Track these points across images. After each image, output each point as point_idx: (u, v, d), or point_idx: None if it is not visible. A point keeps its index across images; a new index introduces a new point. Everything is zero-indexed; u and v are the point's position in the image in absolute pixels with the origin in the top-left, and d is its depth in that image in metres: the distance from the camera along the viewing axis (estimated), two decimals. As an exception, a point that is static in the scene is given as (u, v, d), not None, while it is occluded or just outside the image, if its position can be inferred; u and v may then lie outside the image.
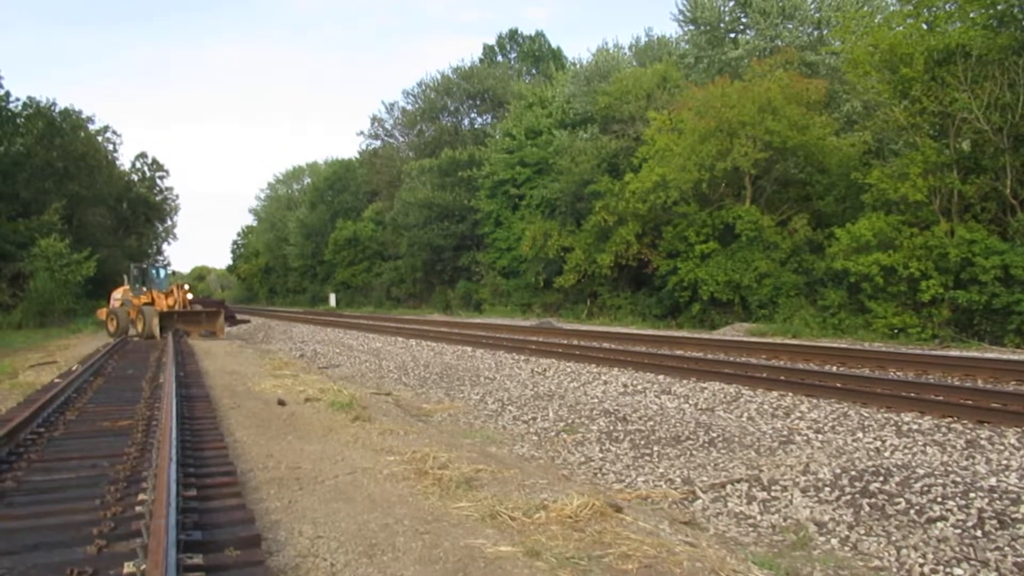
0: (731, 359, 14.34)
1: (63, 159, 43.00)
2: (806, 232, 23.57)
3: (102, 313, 28.64)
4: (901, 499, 5.99)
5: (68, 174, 43.00)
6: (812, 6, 29.87)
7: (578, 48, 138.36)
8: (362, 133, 78.43)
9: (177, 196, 65.13)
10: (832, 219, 23.24)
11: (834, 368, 12.75)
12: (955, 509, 5.71)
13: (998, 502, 5.72)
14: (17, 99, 41.47)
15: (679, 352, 16.09)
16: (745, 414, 9.49)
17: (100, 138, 51.15)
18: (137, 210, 57.83)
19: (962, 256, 18.02)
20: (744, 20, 31.47)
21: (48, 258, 36.15)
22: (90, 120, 48.86)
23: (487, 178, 41.25)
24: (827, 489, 6.41)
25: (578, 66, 39.96)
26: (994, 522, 5.47)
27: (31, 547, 4.26)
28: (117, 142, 54.20)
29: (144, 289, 26.55)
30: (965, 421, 8.09)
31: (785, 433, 8.30)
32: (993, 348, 16.19)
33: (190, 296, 27.48)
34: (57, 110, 44.46)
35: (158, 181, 61.95)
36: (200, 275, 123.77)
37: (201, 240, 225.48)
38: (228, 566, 4.01)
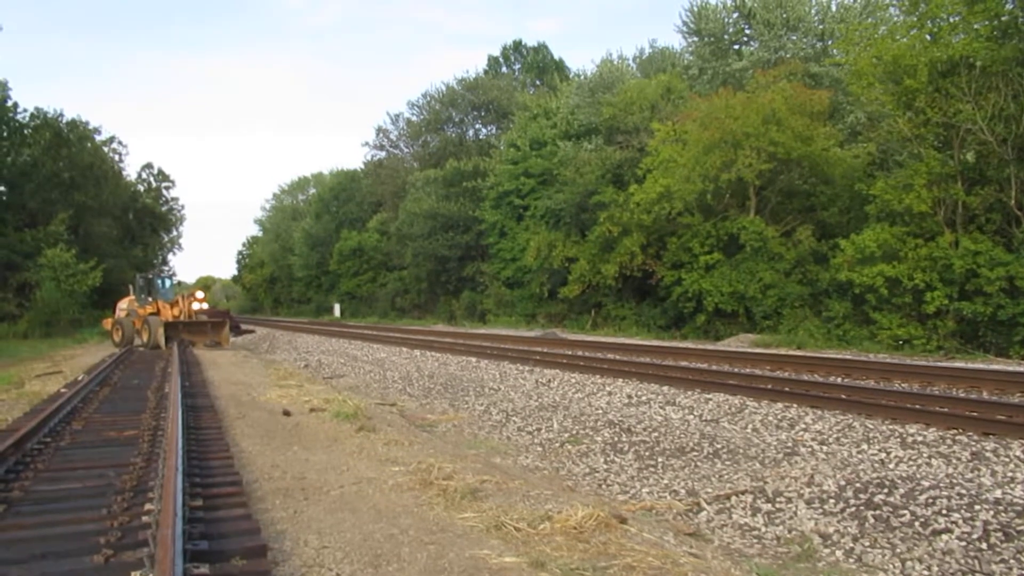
0: (736, 370, 14.32)
1: (70, 170, 43.24)
2: (810, 243, 23.56)
3: (108, 323, 28.74)
4: (906, 511, 5.98)
5: (75, 184, 43.23)
6: (816, 18, 29.95)
7: (582, 60, 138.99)
8: (367, 144, 78.90)
9: (183, 206, 65.35)
10: (836, 230, 23.24)
11: (839, 379, 12.73)
12: (960, 521, 5.70)
13: (1003, 514, 5.71)
14: (25, 110, 41.82)
15: (684, 363, 16.07)
16: (750, 425, 9.49)
17: (106, 149, 51.43)
18: (143, 220, 58.04)
19: (967, 267, 18.00)
20: (748, 32, 31.58)
21: (54, 268, 36.32)
22: (97, 131, 49.15)
23: (492, 189, 41.36)
24: (832, 501, 6.40)
25: (582, 77, 40.07)
26: (999, 535, 5.46)
27: (39, 556, 4.29)
28: (123, 152, 54.60)
29: (149, 299, 26.63)
30: (970, 433, 8.06)
31: (790, 445, 8.29)
32: (999, 360, 16.15)
33: (205, 305, 27.46)
34: (64, 121, 44.76)
35: (164, 191, 62.19)
36: (205, 285, 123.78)
37: (206, 250, 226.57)
38: (234, 576, 4.03)
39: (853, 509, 6.19)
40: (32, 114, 42.39)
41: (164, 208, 62.07)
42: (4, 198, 40.70)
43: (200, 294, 27.52)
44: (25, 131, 41.73)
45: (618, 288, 30.35)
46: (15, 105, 40.42)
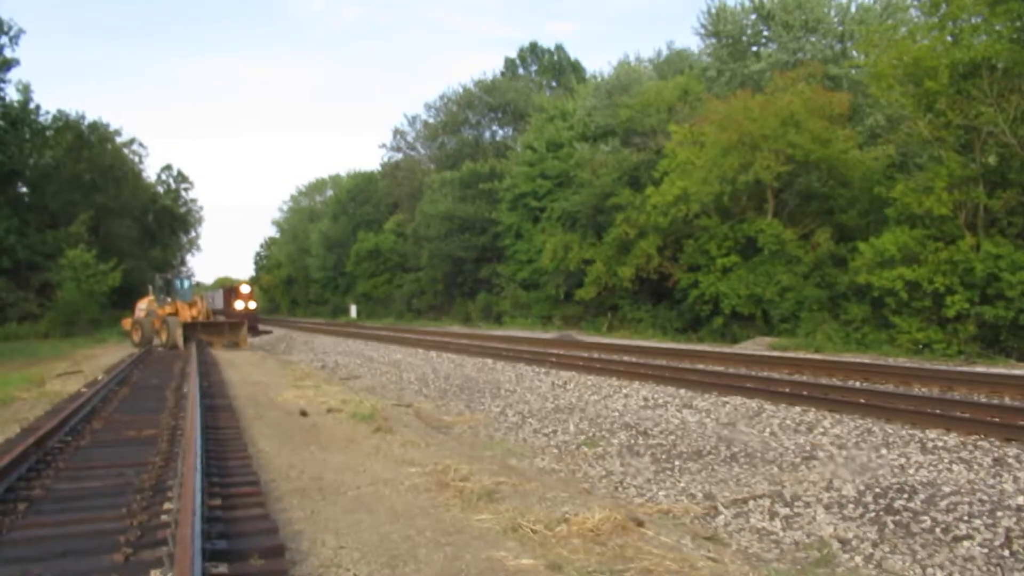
0: (753, 373, 14.23)
1: (91, 171, 43.73)
2: (829, 246, 23.39)
3: (127, 323, 29.02)
4: (926, 517, 5.92)
5: (95, 186, 43.72)
6: (835, 19, 29.73)
7: (599, 62, 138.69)
8: (384, 145, 79.16)
9: (201, 208, 65.95)
10: (855, 233, 23.06)
11: (857, 383, 12.62)
12: (981, 528, 5.63)
13: (1026, 521, 5.64)
14: (47, 112, 42.33)
15: (700, 366, 16.00)
16: (767, 429, 9.42)
17: (127, 150, 52.00)
18: (162, 221, 58.60)
19: (988, 271, 17.81)
20: (766, 33, 31.38)
21: (75, 268, 36.74)
22: (117, 133, 49.73)
23: (508, 190, 41.39)
24: (851, 506, 6.35)
25: (599, 79, 40.03)
26: (1022, 541, 5.39)
27: (59, 554, 4.34)
28: (143, 154, 55.08)
29: (168, 300, 26.85)
30: (992, 439, 7.96)
31: (808, 449, 8.23)
32: (1021, 364, 15.93)
33: (253, 304, 27.46)
34: (86, 123, 45.26)
35: (183, 193, 62.80)
36: (223, 286, 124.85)
37: (224, 251, 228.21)
38: (252, 575, 4.05)
39: (872, 514, 6.13)
40: (54, 116, 42.97)
41: (183, 209, 62.64)
42: (26, 199, 41.29)
43: (246, 288, 27.29)
44: (47, 133, 42.26)
45: (634, 290, 30.28)
46: (38, 107, 40.99)
